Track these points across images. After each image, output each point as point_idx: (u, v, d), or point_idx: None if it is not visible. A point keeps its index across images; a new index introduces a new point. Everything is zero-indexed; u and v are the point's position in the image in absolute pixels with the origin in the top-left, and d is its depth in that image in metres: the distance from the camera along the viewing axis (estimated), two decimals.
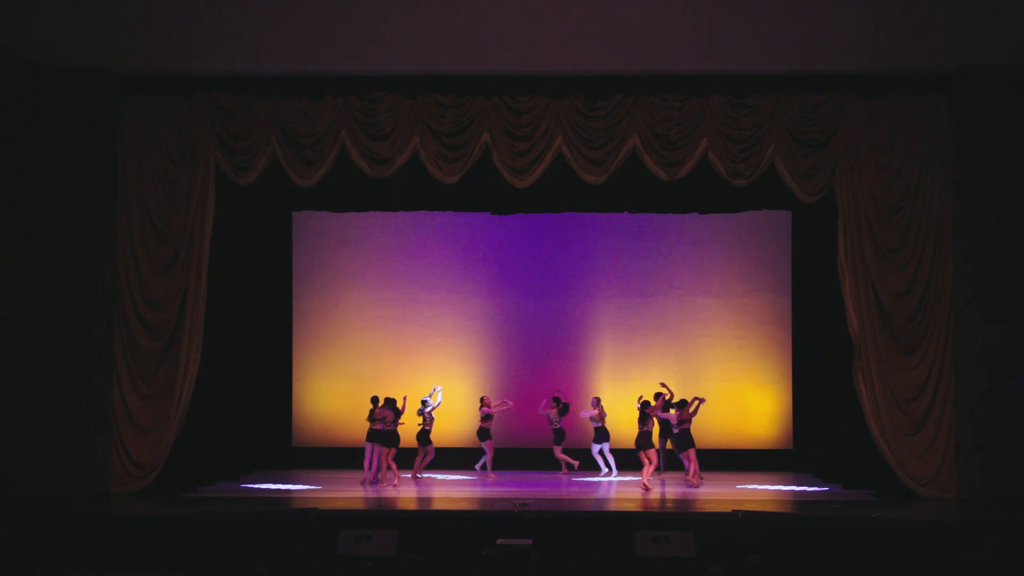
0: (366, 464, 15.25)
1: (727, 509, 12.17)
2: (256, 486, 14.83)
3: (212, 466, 15.07)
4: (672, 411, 15.29)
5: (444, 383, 16.93)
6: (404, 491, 14.51)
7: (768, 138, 13.90)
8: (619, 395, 17.40)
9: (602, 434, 15.89)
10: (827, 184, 13.99)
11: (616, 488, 14.90)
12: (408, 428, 15.53)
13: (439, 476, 16.09)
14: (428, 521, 11.88)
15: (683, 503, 13.60)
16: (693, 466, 14.94)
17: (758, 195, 14.58)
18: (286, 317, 17.93)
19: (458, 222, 17.74)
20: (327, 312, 17.99)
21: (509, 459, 16.76)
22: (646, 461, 14.71)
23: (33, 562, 9.53)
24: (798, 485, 15.38)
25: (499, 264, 17.95)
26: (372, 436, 15.17)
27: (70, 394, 13.69)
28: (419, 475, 15.86)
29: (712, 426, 17.61)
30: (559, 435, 16.30)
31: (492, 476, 15.83)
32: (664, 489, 14.90)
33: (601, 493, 14.43)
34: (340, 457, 17.43)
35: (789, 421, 17.56)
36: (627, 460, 16.55)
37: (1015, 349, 13.48)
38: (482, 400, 16.41)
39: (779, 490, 14.97)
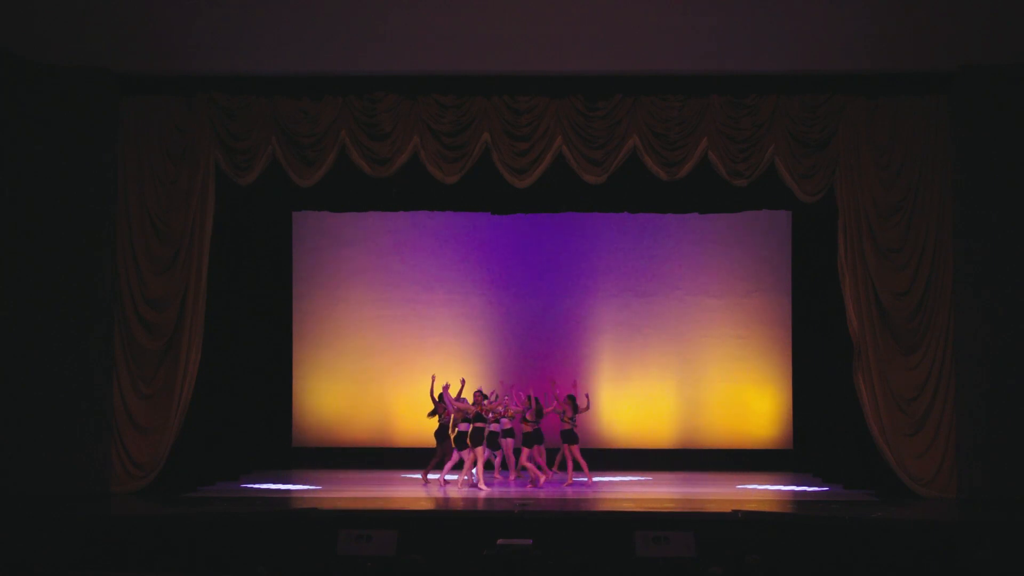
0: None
1: (727, 509, 12.17)
2: (256, 486, 14.83)
3: (212, 466, 15.06)
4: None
5: (444, 383, 16.94)
6: (404, 491, 14.51)
7: (768, 138, 13.90)
8: (619, 395, 17.43)
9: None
10: (827, 184, 13.99)
11: (616, 488, 14.88)
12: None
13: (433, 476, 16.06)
14: (428, 521, 11.88)
15: (683, 503, 13.60)
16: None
17: (758, 195, 14.58)
18: (286, 317, 17.93)
19: (458, 222, 17.75)
20: (327, 312, 17.99)
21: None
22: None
23: (33, 562, 9.54)
24: (798, 485, 15.39)
25: (499, 264, 17.95)
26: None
27: (70, 394, 13.69)
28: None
29: (712, 426, 17.67)
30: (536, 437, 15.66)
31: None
32: (664, 489, 14.93)
33: (601, 493, 14.41)
34: (340, 457, 17.48)
35: (789, 421, 17.56)
36: (625, 460, 16.58)
37: (1015, 349, 13.49)
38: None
39: (779, 490, 14.97)
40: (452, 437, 14.74)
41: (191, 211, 14.11)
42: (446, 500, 13.76)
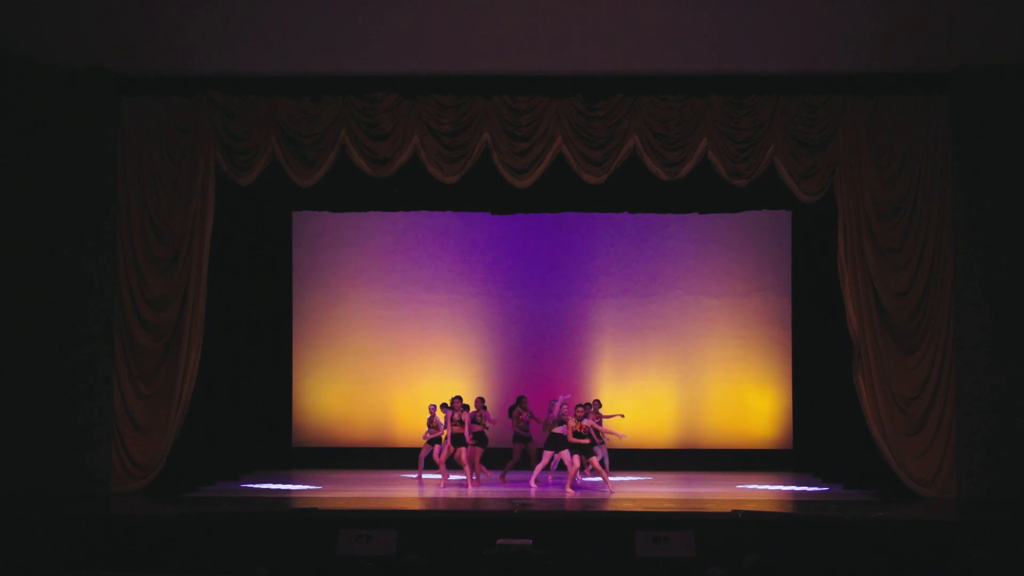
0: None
1: (727, 509, 12.17)
2: (256, 486, 14.83)
3: (212, 466, 15.06)
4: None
5: (443, 383, 16.95)
6: (404, 491, 14.52)
7: (768, 138, 13.90)
8: (619, 395, 17.40)
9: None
10: (827, 184, 13.99)
11: (616, 488, 14.86)
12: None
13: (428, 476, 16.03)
14: (428, 521, 11.88)
15: (683, 503, 13.61)
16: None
17: (758, 195, 14.59)
18: (286, 317, 17.93)
19: (458, 222, 17.75)
20: (327, 312, 17.99)
21: (506, 460, 16.73)
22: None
23: (33, 562, 9.54)
24: (798, 485, 15.39)
25: (499, 264, 17.96)
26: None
27: (70, 394, 13.70)
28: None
29: (712, 426, 17.68)
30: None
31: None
32: (664, 489, 14.94)
33: (601, 493, 14.40)
34: (340, 457, 17.49)
35: (789, 421, 17.57)
36: (625, 460, 16.56)
37: (1015, 349, 13.50)
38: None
39: (779, 490, 14.98)
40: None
41: (191, 211, 14.10)
42: (446, 500, 13.76)
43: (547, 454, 14.59)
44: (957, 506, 13.11)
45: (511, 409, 16.10)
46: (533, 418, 15.90)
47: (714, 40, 13.05)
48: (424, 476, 15.70)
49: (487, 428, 15.19)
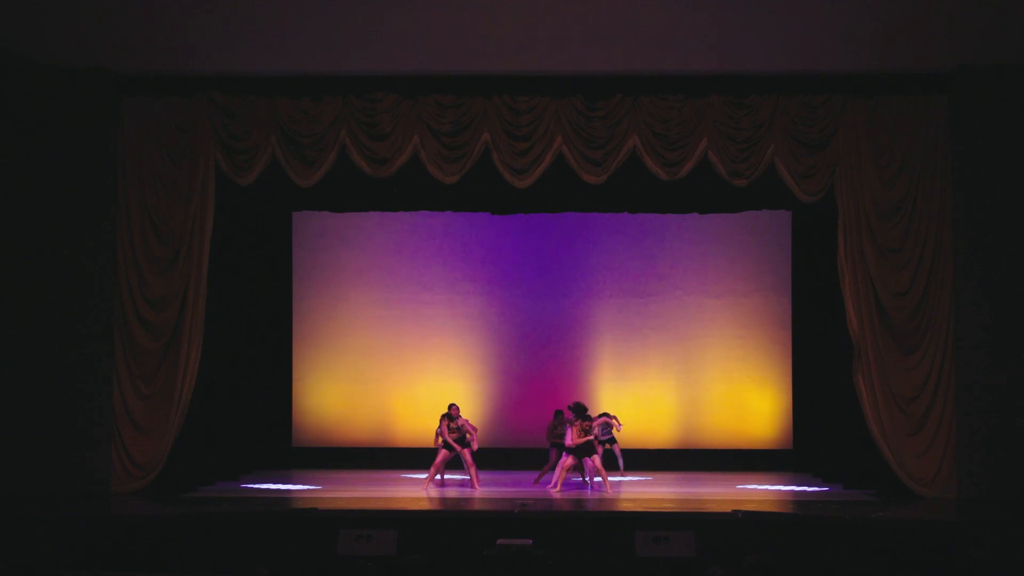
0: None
1: (727, 509, 12.17)
2: (256, 486, 14.83)
3: (212, 466, 15.06)
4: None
5: (444, 383, 16.95)
6: (404, 491, 14.51)
7: (768, 138, 13.90)
8: (619, 395, 17.41)
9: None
10: (827, 184, 13.99)
11: (616, 488, 14.87)
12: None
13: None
14: (428, 521, 11.88)
15: (683, 503, 13.61)
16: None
17: (758, 195, 14.59)
18: (286, 317, 17.94)
19: (458, 222, 17.76)
20: (327, 312, 18.00)
21: (506, 460, 16.77)
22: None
23: (33, 562, 9.54)
24: (798, 485, 15.40)
25: (499, 264, 17.96)
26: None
27: (70, 394, 13.70)
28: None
29: (712, 426, 17.68)
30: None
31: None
32: (664, 489, 14.93)
33: (601, 493, 14.40)
34: (340, 457, 17.49)
35: (789, 421, 17.57)
36: (625, 460, 16.55)
37: (1015, 349, 13.50)
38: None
39: (779, 490, 14.98)
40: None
41: (191, 211, 14.11)
42: (446, 500, 13.76)
43: (568, 458, 14.50)
44: (957, 506, 13.11)
45: (552, 425, 15.81)
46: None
47: (714, 40, 13.05)
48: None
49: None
